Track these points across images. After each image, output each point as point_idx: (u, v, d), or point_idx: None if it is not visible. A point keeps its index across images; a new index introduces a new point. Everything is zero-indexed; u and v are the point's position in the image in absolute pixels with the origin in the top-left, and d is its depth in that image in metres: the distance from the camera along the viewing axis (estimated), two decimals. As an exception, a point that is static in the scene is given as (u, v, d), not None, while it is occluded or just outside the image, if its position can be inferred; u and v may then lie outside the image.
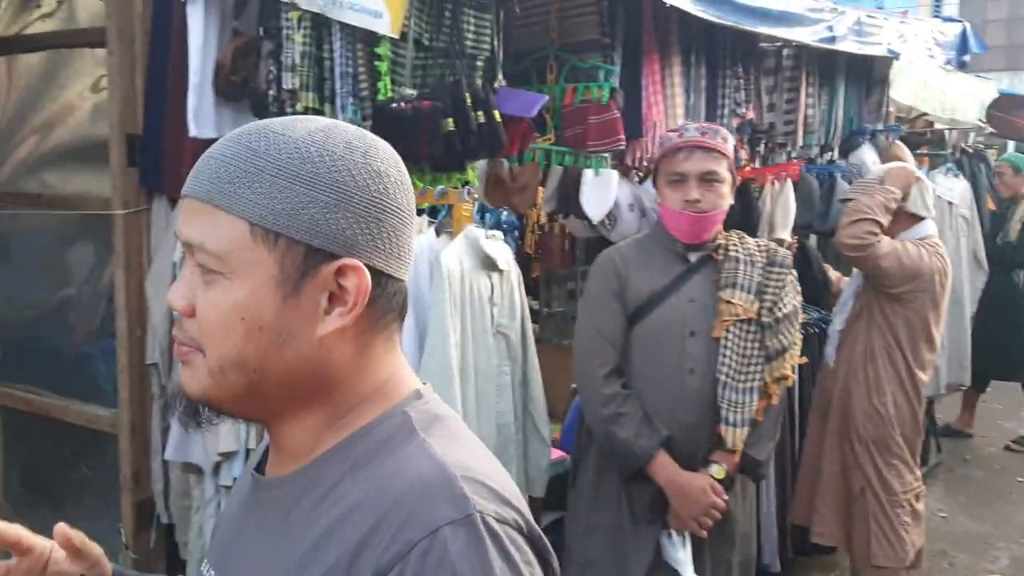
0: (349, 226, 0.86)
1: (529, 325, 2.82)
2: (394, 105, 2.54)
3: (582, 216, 3.38)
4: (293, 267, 0.85)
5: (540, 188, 3.59)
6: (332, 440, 0.91)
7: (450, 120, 2.55)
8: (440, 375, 2.39)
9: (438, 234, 2.61)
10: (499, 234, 2.70)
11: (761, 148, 4.24)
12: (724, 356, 2.52)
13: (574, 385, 3.51)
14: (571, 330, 4.36)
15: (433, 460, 0.86)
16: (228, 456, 2.45)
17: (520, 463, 2.75)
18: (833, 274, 4.17)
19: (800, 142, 4.36)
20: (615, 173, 3.34)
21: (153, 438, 2.87)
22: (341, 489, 0.87)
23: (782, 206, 3.96)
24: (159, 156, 2.93)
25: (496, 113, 2.65)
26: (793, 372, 2.69)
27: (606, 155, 3.27)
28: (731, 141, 2.65)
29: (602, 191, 3.30)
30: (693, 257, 2.62)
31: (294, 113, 2.77)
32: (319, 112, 2.71)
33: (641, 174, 3.64)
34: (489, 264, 2.61)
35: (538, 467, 2.81)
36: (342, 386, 0.91)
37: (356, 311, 0.88)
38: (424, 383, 0.99)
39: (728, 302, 2.53)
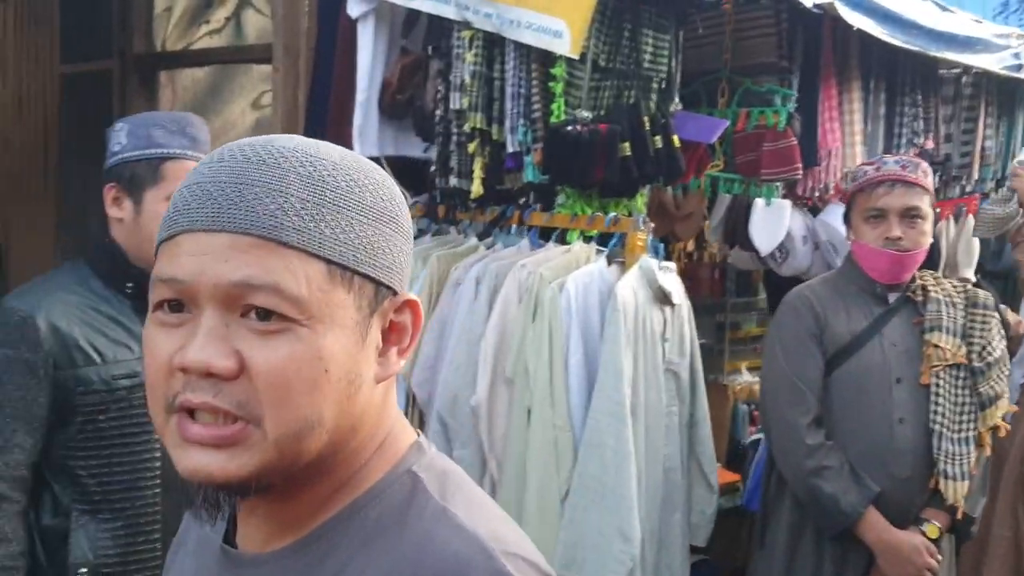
0: (405, 260, 0.81)
1: (699, 363, 2.65)
2: (569, 128, 2.44)
3: (749, 247, 3.20)
4: (367, 306, 0.77)
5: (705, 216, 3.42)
6: (336, 505, 0.79)
7: (627, 144, 2.43)
8: (612, 414, 2.26)
9: (609, 263, 2.48)
10: (672, 265, 2.56)
11: (935, 180, 3.97)
12: (936, 404, 2.33)
13: (753, 437, 3.33)
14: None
15: (464, 533, 0.76)
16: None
17: (684, 510, 2.58)
18: (1011, 316, 3.86)
19: (976, 175, 4.06)
20: (788, 203, 3.15)
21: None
22: (354, 567, 0.76)
23: (965, 243, 3.69)
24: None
25: (675, 138, 2.52)
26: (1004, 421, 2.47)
27: (778, 184, 3.10)
28: (931, 175, 2.46)
29: (773, 222, 3.12)
30: (891, 298, 2.44)
31: (460, 134, 2.70)
32: (486, 133, 2.64)
33: (812, 204, 3.44)
34: (662, 297, 2.47)
35: (702, 515, 2.64)
36: (364, 438, 0.80)
37: (411, 349, 0.82)
38: (418, 433, 0.87)
39: (936, 346, 2.35)
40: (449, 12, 2.61)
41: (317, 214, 0.73)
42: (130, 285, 1.83)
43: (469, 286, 2.52)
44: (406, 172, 2.90)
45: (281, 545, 0.79)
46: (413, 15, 2.88)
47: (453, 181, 2.74)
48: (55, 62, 4.38)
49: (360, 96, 2.84)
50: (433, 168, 2.81)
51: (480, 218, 2.83)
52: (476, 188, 2.65)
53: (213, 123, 3.64)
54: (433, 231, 2.94)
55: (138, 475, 1.81)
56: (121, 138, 1.82)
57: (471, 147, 2.66)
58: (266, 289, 0.71)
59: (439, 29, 2.77)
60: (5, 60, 4.93)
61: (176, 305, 0.74)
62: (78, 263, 1.89)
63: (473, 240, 2.79)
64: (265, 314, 0.72)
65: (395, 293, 0.79)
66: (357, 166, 0.78)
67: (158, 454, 1.82)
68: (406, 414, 2.50)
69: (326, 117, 3.05)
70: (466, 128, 2.66)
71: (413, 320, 0.81)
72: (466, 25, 2.59)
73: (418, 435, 0.86)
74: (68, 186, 4.39)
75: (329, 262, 0.73)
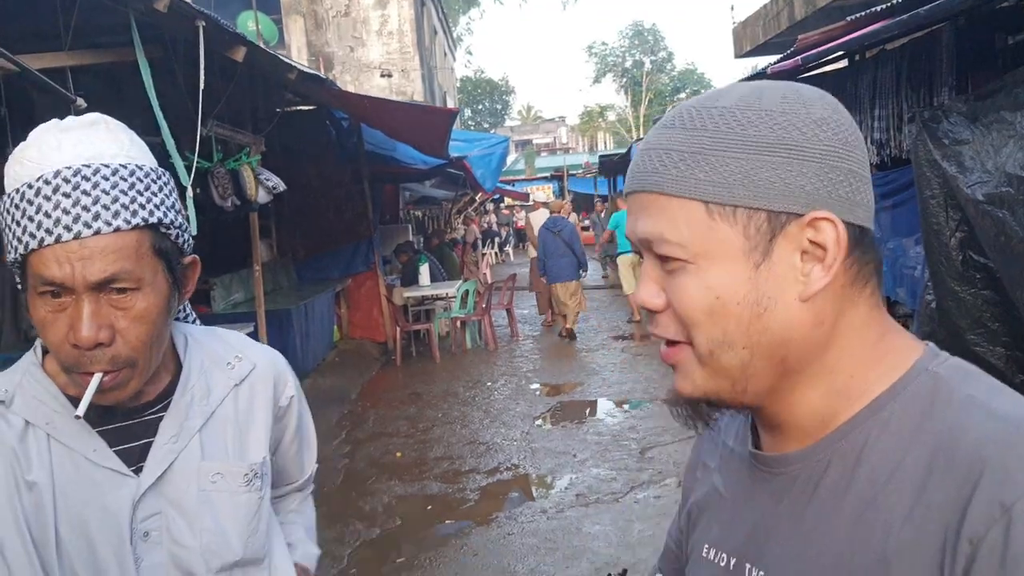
0: (807, 181, 0.82)
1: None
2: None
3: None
4: (758, 234, 0.82)
5: None
6: (848, 411, 0.86)
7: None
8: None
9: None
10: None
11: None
12: None
13: None
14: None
15: (998, 416, 0.78)
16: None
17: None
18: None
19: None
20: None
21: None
22: (891, 452, 0.82)
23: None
24: None
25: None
26: None
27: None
28: None
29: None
30: None
31: None
32: None
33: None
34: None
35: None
36: (835, 350, 0.86)
37: (836, 265, 0.83)
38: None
39: None
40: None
41: (693, 162, 0.83)
42: None
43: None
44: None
45: (802, 446, 0.88)
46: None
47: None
48: None
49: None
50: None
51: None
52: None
53: None
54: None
55: None
56: None
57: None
58: (656, 239, 0.85)
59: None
60: None
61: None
62: None
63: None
64: (665, 259, 0.85)
65: (800, 215, 0.82)
66: (747, 103, 0.83)
67: None
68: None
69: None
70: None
71: (835, 236, 0.82)
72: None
73: (927, 344, 0.89)
74: None
75: (707, 203, 0.83)
